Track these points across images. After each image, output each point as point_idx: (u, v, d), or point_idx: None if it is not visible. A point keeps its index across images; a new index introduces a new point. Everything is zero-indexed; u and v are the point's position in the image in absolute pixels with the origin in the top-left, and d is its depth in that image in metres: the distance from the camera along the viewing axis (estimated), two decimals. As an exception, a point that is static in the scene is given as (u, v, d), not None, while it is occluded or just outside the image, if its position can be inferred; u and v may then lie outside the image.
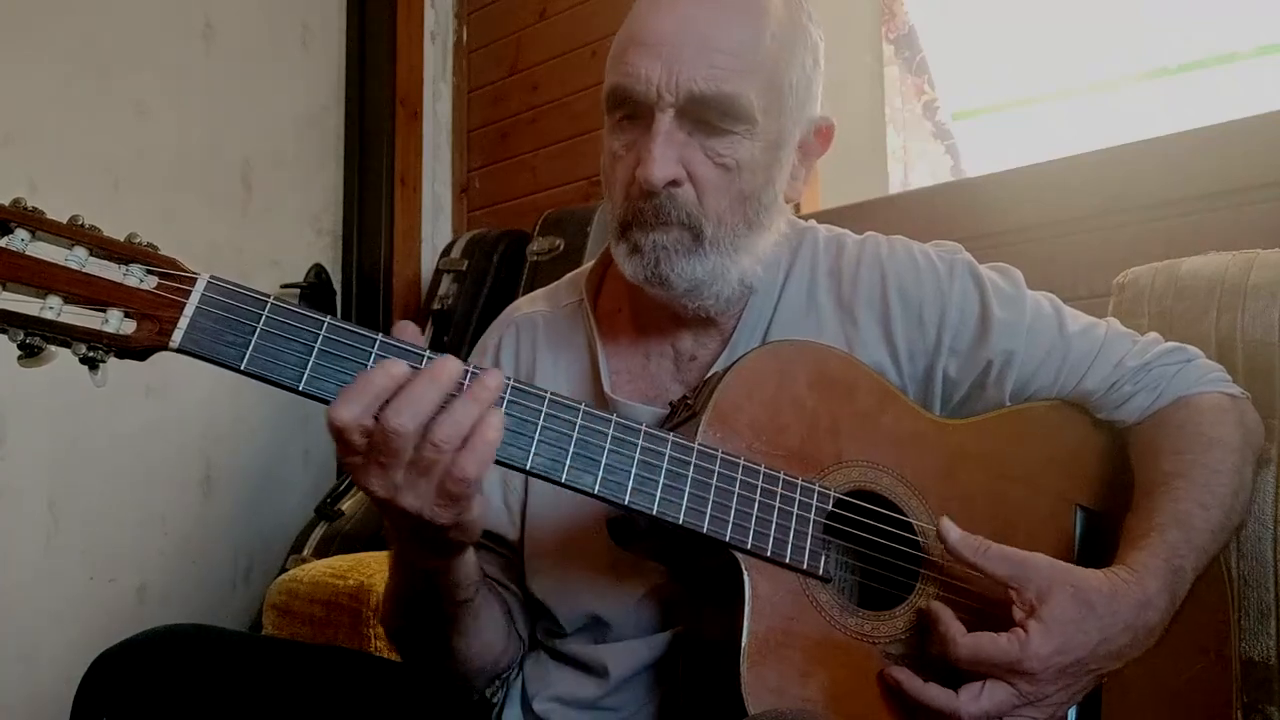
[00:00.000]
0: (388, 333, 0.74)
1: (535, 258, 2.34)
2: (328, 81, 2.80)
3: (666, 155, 0.87)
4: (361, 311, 2.74)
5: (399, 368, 0.71)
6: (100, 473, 2.30)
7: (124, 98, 2.37)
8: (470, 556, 0.87)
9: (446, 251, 2.62)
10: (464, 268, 2.50)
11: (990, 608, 0.87)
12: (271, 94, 2.65)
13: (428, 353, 0.74)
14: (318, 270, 2.70)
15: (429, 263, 2.76)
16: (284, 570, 1.97)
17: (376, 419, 0.70)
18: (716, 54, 0.87)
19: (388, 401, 0.70)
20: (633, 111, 0.90)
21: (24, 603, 2.17)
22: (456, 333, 2.43)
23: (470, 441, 0.71)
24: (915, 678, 0.83)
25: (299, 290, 2.64)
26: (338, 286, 2.75)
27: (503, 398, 0.76)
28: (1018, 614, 0.82)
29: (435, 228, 2.83)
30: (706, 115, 0.88)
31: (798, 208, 1.07)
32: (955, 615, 0.85)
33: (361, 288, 2.76)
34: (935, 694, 0.81)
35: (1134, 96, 1.94)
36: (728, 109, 0.88)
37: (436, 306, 2.51)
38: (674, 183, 0.89)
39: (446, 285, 2.52)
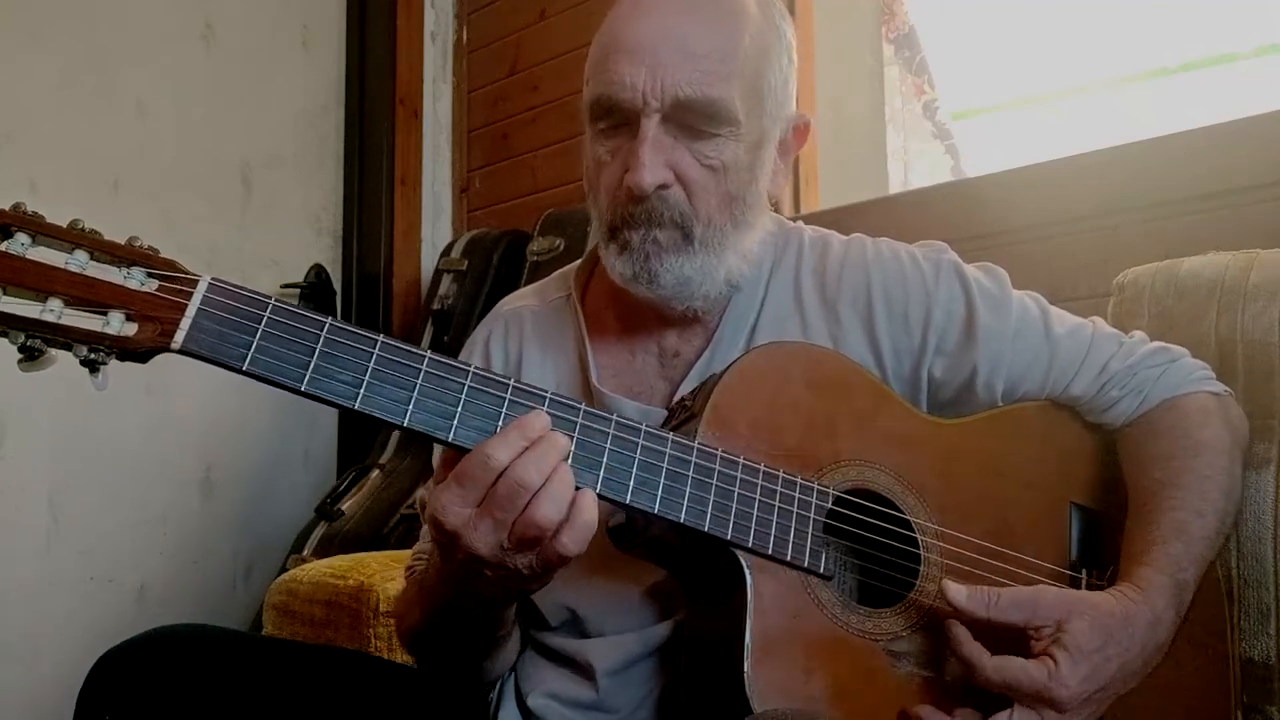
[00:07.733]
0: (389, 334, 0.74)
1: (535, 258, 2.34)
2: (328, 81, 2.80)
3: (655, 160, 0.88)
4: (361, 311, 2.74)
5: (543, 419, 0.75)
6: (100, 473, 2.30)
7: (124, 98, 2.37)
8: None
9: (446, 251, 2.62)
10: (464, 268, 2.50)
11: None
12: (271, 94, 2.65)
13: (549, 394, 0.77)
14: (318, 270, 2.69)
15: (429, 263, 2.76)
16: (284, 570, 1.97)
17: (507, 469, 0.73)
18: (699, 58, 0.88)
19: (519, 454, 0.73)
20: (619, 119, 0.91)
21: (24, 603, 2.17)
22: (456, 333, 2.43)
23: (571, 519, 0.74)
24: (938, 713, 0.82)
25: (299, 290, 2.63)
26: (338, 286, 2.75)
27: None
28: (1037, 647, 0.82)
29: (435, 228, 2.83)
30: (692, 119, 0.89)
31: (778, 204, 1.08)
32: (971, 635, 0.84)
33: (361, 288, 2.76)
34: None
35: (1134, 96, 1.94)
36: (713, 113, 0.89)
37: (436, 306, 2.51)
38: (663, 185, 0.89)
39: (446, 285, 2.52)
